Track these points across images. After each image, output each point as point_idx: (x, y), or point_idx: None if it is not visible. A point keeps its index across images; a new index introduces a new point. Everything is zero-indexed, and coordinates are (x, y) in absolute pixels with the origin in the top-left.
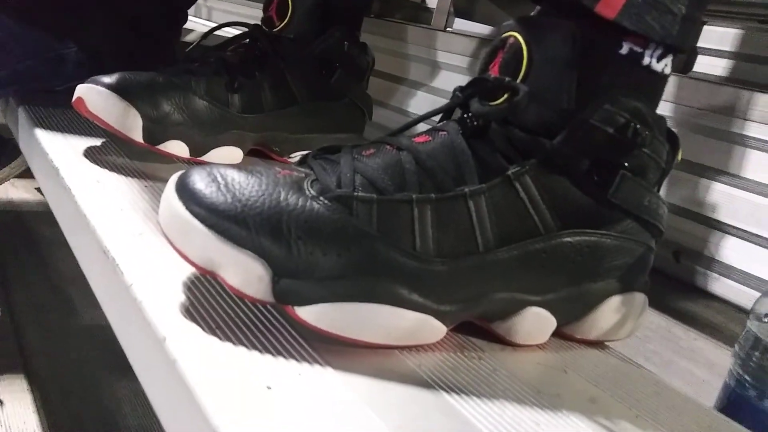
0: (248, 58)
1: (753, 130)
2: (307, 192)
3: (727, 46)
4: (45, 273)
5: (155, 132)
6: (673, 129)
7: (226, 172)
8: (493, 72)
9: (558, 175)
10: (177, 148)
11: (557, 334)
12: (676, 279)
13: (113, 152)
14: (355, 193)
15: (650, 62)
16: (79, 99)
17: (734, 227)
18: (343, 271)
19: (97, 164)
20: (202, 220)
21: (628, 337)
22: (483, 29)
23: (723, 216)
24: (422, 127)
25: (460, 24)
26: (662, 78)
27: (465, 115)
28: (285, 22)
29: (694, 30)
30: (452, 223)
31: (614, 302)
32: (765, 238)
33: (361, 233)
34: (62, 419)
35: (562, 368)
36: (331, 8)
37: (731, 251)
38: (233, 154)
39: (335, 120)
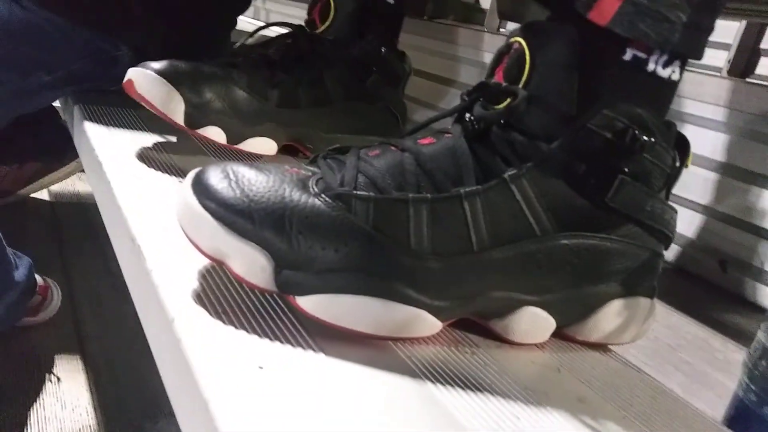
0: (288, 56)
1: None
2: (311, 189)
3: None
4: (104, 262)
5: (196, 117)
6: (723, 134)
7: (239, 170)
8: (498, 76)
9: (555, 179)
10: (215, 133)
11: (559, 335)
12: (722, 289)
13: (155, 150)
14: (355, 192)
15: (655, 68)
16: (129, 81)
17: None
18: (340, 265)
19: (139, 160)
20: (212, 213)
21: (632, 342)
22: None
23: None
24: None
25: (513, 27)
26: (669, 84)
27: (468, 119)
28: (327, 24)
29: (700, 37)
30: (447, 222)
31: (616, 306)
32: None
33: (358, 230)
34: (110, 399)
35: (556, 368)
36: (370, 14)
37: None
38: (267, 145)
39: (368, 122)
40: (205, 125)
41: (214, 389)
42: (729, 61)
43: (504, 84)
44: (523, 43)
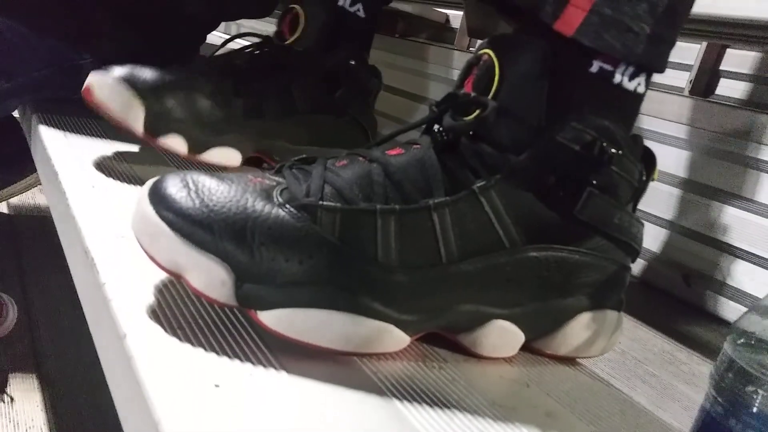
0: (255, 66)
1: (767, 154)
2: (275, 200)
3: (746, 69)
4: (64, 278)
5: (156, 125)
6: (686, 151)
7: (199, 179)
8: (467, 88)
9: (524, 191)
10: (176, 143)
11: (527, 348)
12: (686, 303)
13: (115, 159)
14: (320, 203)
15: (621, 81)
16: (87, 87)
17: (746, 251)
18: (304, 278)
19: (96, 170)
20: (170, 224)
21: (600, 355)
22: None
23: (735, 240)
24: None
25: None
26: (635, 97)
27: (437, 130)
28: (296, 36)
29: (663, 49)
30: (415, 234)
31: (584, 319)
32: None
33: (324, 241)
34: (68, 419)
35: (525, 382)
36: (340, 27)
37: (743, 276)
38: (232, 155)
39: (336, 135)
40: (166, 134)
41: (165, 409)
42: (690, 82)
43: (473, 95)
44: (492, 54)
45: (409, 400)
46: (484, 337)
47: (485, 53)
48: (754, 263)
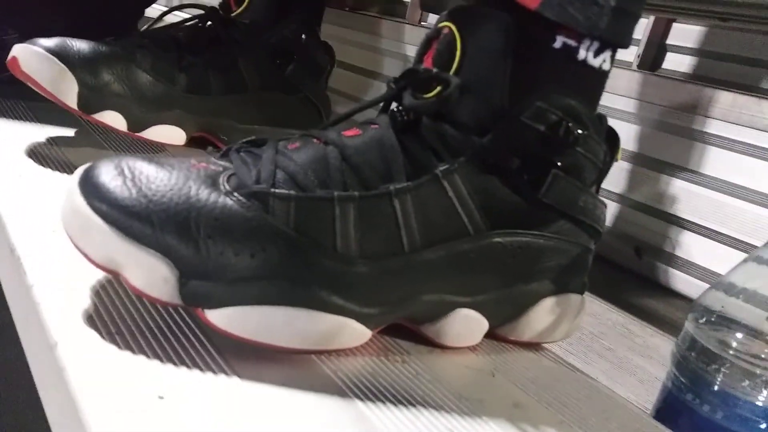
0: (199, 39)
1: (714, 127)
2: (222, 187)
3: (691, 43)
4: None
5: (91, 100)
6: (635, 125)
7: (135, 165)
8: (427, 63)
9: (488, 174)
10: (113, 119)
11: (491, 335)
12: (638, 275)
13: (47, 146)
14: (272, 190)
15: (586, 57)
16: (14, 59)
17: (694, 223)
18: (256, 273)
19: (25, 157)
20: (104, 217)
21: (564, 339)
22: None
23: (684, 212)
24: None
25: (434, 19)
26: (601, 74)
27: (397, 108)
28: (242, 8)
29: (627, 23)
30: (376, 222)
31: (548, 304)
32: (725, 235)
33: (277, 232)
34: (7, 419)
35: (490, 371)
36: None
37: (692, 247)
38: (174, 133)
39: (287, 114)
40: (102, 110)
41: (102, 426)
42: (638, 56)
43: (435, 71)
44: (454, 28)
45: (372, 400)
46: (448, 327)
47: (446, 26)
48: (703, 235)
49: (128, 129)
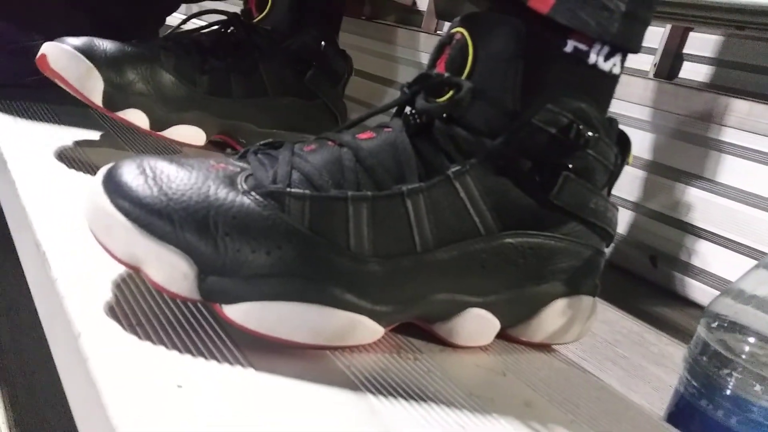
0: (222, 43)
1: (729, 135)
2: (239, 187)
3: (707, 52)
4: (20, 270)
5: (116, 98)
6: (651, 133)
7: (156, 165)
8: (440, 68)
9: (499, 176)
10: (137, 117)
11: (502, 336)
12: (653, 284)
13: (71, 147)
14: (288, 189)
15: (596, 61)
16: (43, 56)
17: (710, 232)
18: (272, 270)
19: (50, 158)
20: (126, 214)
21: (576, 341)
22: None
23: (699, 221)
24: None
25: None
26: (611, 78)
27: (410, 112)
28: (263, 14)
29: (638, 28)
30: (389, 222)
31: (560, 305)
32: (740, 244)
33: (292, 231)
34: (29, 418)
35: (501, 371)
36: (309, 7)
37: (707, 256)
38: (195, 134)
39: (305, 119)
40: (126, 108)
41: (124, 413)
42: (655, 65)
43: (447, 75)
44: (466, 33)
45: (384, 395)
46: (460, 326)
47: (458, 32)
48: (718, 244)
49: (150, 127)
